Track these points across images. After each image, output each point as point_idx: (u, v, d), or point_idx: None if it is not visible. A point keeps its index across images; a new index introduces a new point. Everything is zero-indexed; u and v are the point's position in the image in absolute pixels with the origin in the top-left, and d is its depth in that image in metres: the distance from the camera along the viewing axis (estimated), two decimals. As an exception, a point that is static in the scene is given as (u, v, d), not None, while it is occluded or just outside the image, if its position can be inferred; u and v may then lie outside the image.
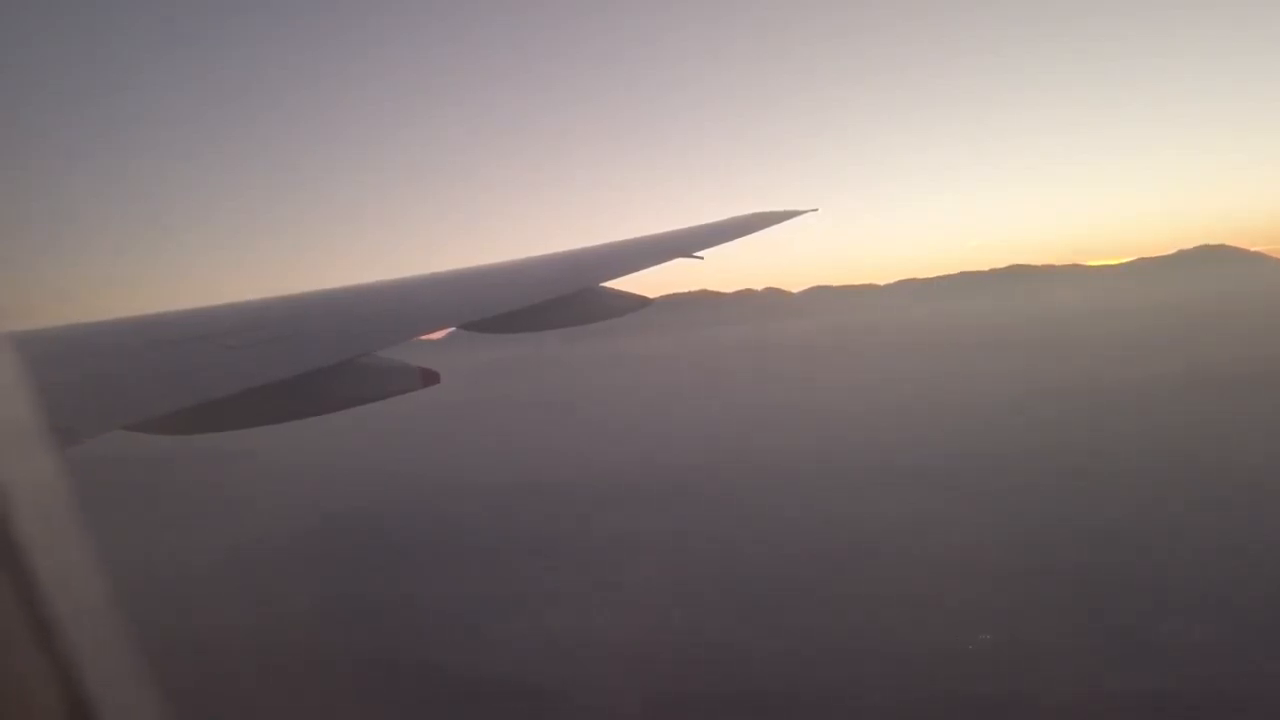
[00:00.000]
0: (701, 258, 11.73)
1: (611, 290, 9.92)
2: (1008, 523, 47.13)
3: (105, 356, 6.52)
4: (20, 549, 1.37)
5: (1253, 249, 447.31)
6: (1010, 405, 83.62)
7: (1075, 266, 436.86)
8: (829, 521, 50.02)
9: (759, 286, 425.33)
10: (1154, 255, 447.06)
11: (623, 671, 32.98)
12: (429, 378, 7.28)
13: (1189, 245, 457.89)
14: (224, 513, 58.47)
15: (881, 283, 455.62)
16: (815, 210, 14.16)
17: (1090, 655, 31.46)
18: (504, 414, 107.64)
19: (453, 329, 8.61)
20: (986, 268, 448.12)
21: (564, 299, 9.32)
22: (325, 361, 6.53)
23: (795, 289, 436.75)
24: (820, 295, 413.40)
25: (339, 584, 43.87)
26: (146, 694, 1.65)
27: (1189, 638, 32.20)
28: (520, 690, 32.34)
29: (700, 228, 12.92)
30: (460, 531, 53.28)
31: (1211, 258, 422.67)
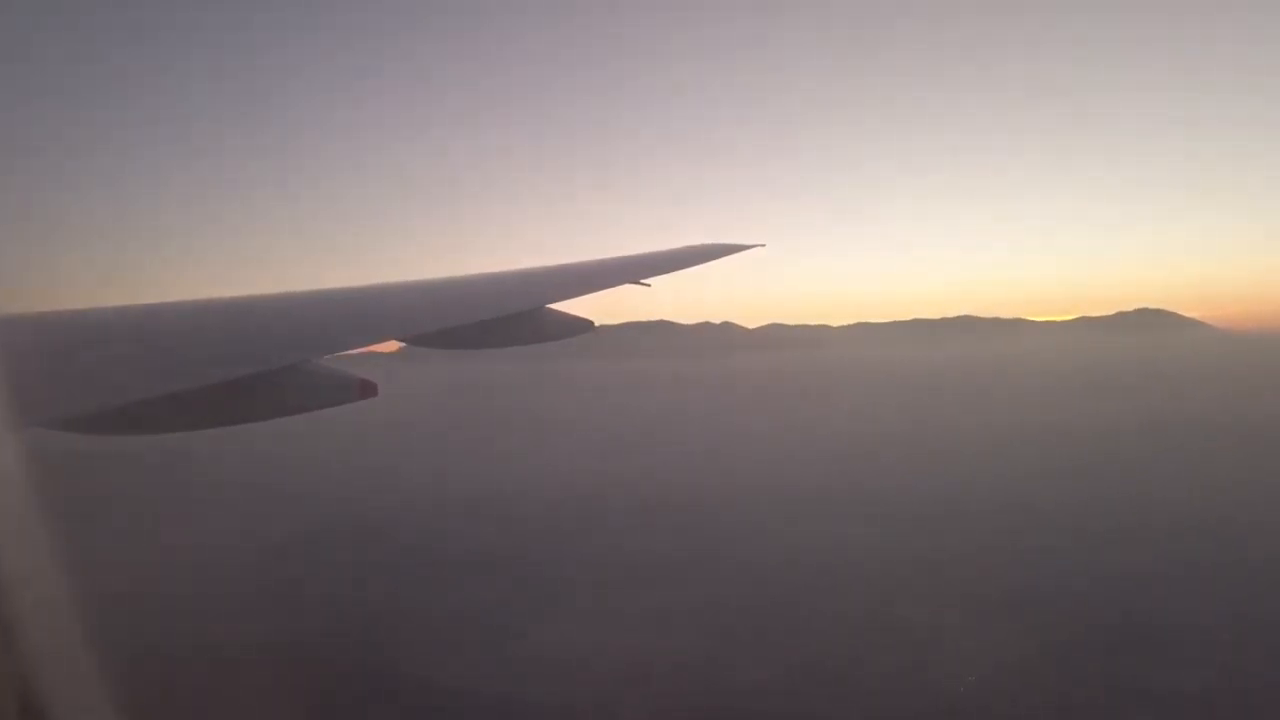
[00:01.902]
0: (649, 284, 11.92)
1: (557, 312, 9.94)
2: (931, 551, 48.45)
3: (29, 353, 6.29)
4: None
5: (1188, 314, 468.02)
6: (944, 445, 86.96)
7: (1020, 320, 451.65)
8: (754, 549, 50.53)
9: (717, 320, 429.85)
10: (1096, 315, 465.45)
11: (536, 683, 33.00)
12: (367, 390, 7.17)
13: (1129, 308, 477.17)
14: (148, 520, 56.65)
15: (835, 324, 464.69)
16: (763, 245, 14.47)
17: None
18: (438, 431, 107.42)
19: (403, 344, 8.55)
20: (938, 315, 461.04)
21: (509, 318, 9.34)
22: (262, 366, 6.38)
23: (752, 325, 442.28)
24: (775, 332, 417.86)
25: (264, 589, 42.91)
26: (99, 694, 1.63)
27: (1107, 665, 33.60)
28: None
29: (649, 255, 13.12)
30: (379, 548, 52.84)
31: (1150, 320, 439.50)
